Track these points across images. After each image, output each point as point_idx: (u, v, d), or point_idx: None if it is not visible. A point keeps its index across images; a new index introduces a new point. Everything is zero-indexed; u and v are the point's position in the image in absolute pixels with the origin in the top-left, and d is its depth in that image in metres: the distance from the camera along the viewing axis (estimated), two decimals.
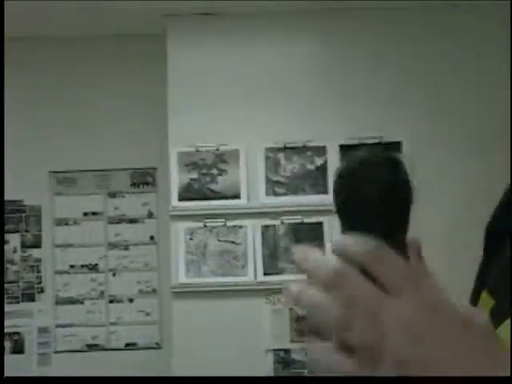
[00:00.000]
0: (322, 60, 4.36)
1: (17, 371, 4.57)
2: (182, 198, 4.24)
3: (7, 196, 4.65)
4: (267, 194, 4.24)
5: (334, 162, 4.22)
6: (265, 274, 4.19)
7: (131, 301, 4.63)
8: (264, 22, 4.36)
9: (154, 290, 4.63)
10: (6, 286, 4.62)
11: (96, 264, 4.64)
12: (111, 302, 4.63)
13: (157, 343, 4.60)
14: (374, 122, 4.28)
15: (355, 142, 4.23)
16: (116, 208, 4.68)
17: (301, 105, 4.31)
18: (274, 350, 4.16)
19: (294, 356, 4.16)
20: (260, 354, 4.16)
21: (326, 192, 4.21)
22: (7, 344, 4.59)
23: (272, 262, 4.19)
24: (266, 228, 4.22)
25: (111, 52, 4.72)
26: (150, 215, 4.67)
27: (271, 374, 4.13)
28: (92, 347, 4.61)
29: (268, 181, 4.25)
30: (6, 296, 4.61)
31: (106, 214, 4.68)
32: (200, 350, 4.13)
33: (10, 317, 4.61)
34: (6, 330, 4.58)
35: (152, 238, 4.65)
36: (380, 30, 4.35)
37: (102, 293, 4.63)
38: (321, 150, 4.27)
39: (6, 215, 4.66)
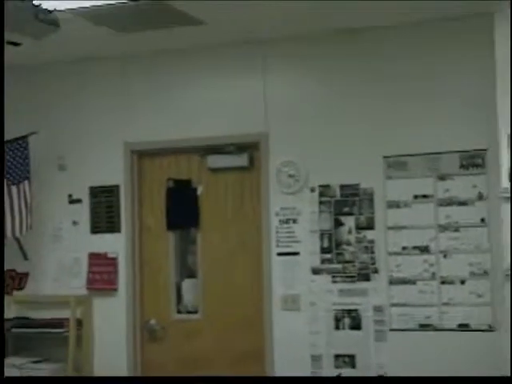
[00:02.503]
0: None
1: (355, 346, 4.83)
2: None
3: (345, 180, 4.89)
4: None
5: None
6: None
7: (463, 282, 4.65)
8: None
9: (486, 272, 4.60)
10: (343, 265, 4.88)
11: (427, 246, 4.73)
12: (443, 283, 4.69)
13: (489, 325, 4.57)
14: None
15: None
16: (446, 190, 4.72)
17: None
18: None
19: None
20: None
21: None
22: (346, 320, 4.85)
23: None
24: None
25: (440, 35, 4.74)
26: (480, 197, 4.63)
27: None
28: (425, 327, 4.71)
29: None
30: (343, 275, 4.86)
31: (435, 197, 4.74)
32: None
33: (347, 295, 4.88)
34: (344, 308, 4.85)
35: (483, 220, 4.62)
36: None
37: (434, 274, 4.71)
38: None
39: (343, 199, 4.91)
